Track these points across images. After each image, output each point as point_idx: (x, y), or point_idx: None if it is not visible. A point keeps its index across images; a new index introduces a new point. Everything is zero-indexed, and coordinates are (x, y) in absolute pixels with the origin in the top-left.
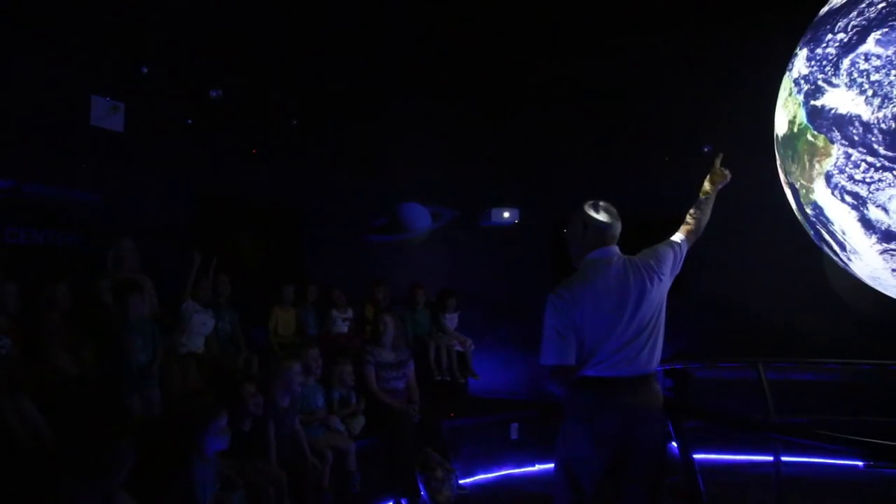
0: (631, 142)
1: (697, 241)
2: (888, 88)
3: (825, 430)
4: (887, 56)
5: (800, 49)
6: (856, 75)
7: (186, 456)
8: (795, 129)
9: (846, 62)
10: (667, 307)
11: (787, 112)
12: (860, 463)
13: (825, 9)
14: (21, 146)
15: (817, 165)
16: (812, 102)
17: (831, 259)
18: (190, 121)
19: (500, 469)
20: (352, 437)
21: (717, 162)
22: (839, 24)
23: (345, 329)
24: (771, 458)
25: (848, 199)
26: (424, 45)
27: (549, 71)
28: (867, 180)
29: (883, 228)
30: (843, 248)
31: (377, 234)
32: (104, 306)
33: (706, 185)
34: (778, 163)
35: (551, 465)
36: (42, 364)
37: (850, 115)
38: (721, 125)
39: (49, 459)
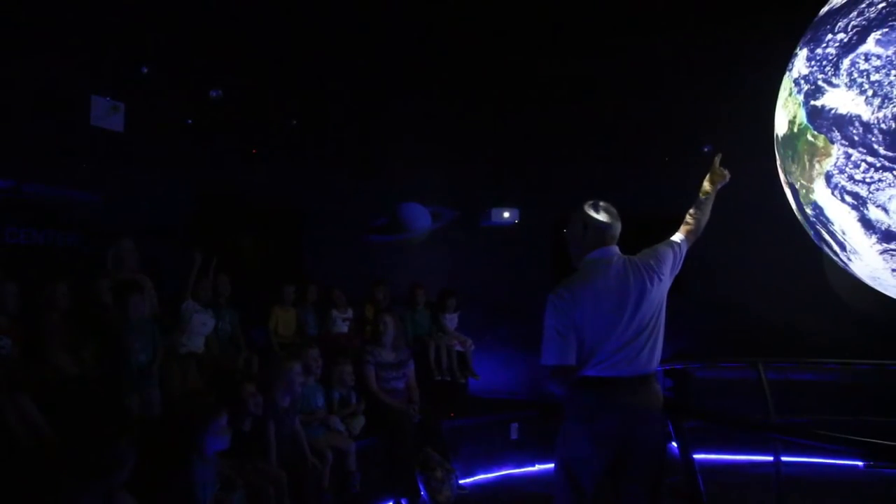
0: (631, 142)
1: (697, 241)
2: (888, 88)
3: (825, 430)
4: (887, 56)
5: (800, 49)
6: (856, 75)
7: (186, 456)
8: (795, 129)
9: (846, 62)
10: (667, 307)
11: (787, 112)
12: (860, 463)
13: (825, 9)
14: (21, 146)
15: (817, 165)
16: (812, 102)
17: (831, 259)
18: (190, 121)
19: (500, 469)
20: (352, 437)
21: (717, 161)
22: (839, 24)
23: (345, 329)
24: (771, 458)
25: (848, 199)
26: (424, 45)
27: (549, 71)
28: (867, 180)
29: (883, 228)
30: (843, 248)
31: (377, 234)
32: (104, 306)
33: (706, 185)
34: (778, 163)
35: (551, 465)
36: (42, 364)
37: (850, 115)
38: (721, 125)
39: (49, 459)
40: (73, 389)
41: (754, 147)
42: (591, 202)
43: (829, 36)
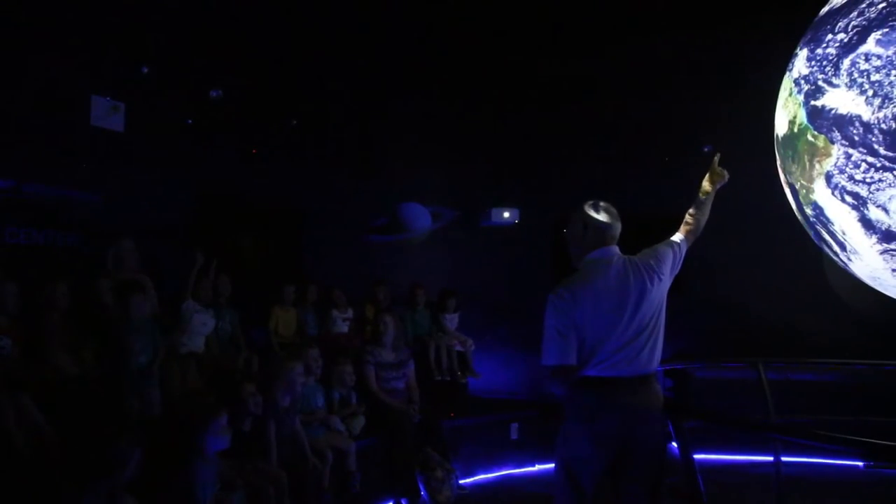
0: (631, 142)
1: (697, 241)
2: (888, 89)
3: (825, 430)
4: (888, 56)
5: (800, 49)
6: (856, 75)
7: (187, 456)
8: (796, 130)
9: (846, 62)
10: (667, 307)
11: (787, 112)
12: (860, 463)
13: (825, 9)
14: (21, 146)
15: (817, 165)
16: (812, 102)
17: (831, 259)
18: (190, 121)
19: (500, 469)
20: (352, 437)
21: (716, 161)
22: (839, 24)
23: (345, 329)
24: (771, 458)
25: (848, 199)
26: (424, 45)
27: (549, 71)
28: (867, 180)
29: (883, 229)
30: (843, 248)
31: (377, 234)
32: (104, 306)
33: (705, 185)
34: (778, 163)
35: (551, 465)
36: (42, 364)
37: (851, 116)
38: (721, 125)
39: (50, 460)
40: (73, 389)
41: (754, 147)
42: (591, 202)
43: (830, 36)
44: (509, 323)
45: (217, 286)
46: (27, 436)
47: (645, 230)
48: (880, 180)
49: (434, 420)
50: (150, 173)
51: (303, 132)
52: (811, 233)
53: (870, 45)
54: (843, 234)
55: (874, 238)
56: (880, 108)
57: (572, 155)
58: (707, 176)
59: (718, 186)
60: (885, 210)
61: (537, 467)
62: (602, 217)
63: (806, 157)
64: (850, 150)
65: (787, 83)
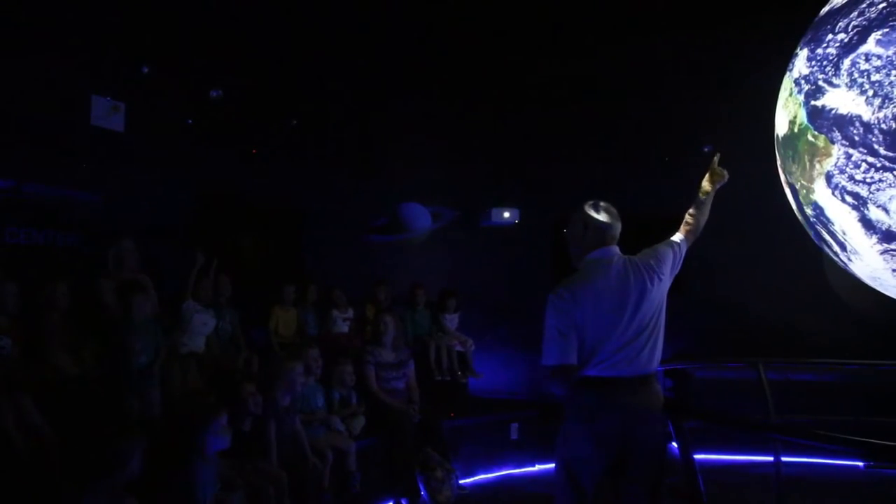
0: (631, 142)
1: (697, 241)
2: (889, 89)
3: (825, 430)
4: (888, 56)
5: (800, 49)
6: (856, 75)
7: (187, 456)
8: (796, 130)
9: (847, 62)
10: (667, 307)
11: (787, 112)
12: (860, 463)
13: (826, 9)
14: (21, 146)
15: (818, 166)
16: (812, 102)
17: (832, 259)
18: (190, 121)
19: (500, 469)
20: (352, 437)
21: (715, 161)
22: (840, 24)
23: (345, 329)
24: (771, 458)
25: (848, 199)
26: (424, 45)
27: (549, 71)
28: (868, 180)
29: (883, 229)
30: (843, 248)
31: (377, 234)
32: (104, 306)
33: (705, 185)
34: (778, 163)
35: (551, 465)
36: (42, 364)
37: (851, 116)
38: (721, 125)
39: (50, 460)
40: (73, 389)
41: (754, 147)
42: (591, 202)
43: (830, 36)
44: (509, 323)
45: (217, 286)
46: (27, 436)
47: (645, 230)
48: (880, 180)
49: (434, 420)
50: (150, 173)
51: (303, 132)
52: (811, 233)
53: (870, 45)
54: (844, 234)
55: (874, 238)
56: (880, 108)
57: (572, 155)
58: (707, 176)
59: (718, 186)
60: (886, 210)
61: (537, 467)
62: (602, 217)
63: (806, 157)
64: (851, 150)
65: (787, 83)
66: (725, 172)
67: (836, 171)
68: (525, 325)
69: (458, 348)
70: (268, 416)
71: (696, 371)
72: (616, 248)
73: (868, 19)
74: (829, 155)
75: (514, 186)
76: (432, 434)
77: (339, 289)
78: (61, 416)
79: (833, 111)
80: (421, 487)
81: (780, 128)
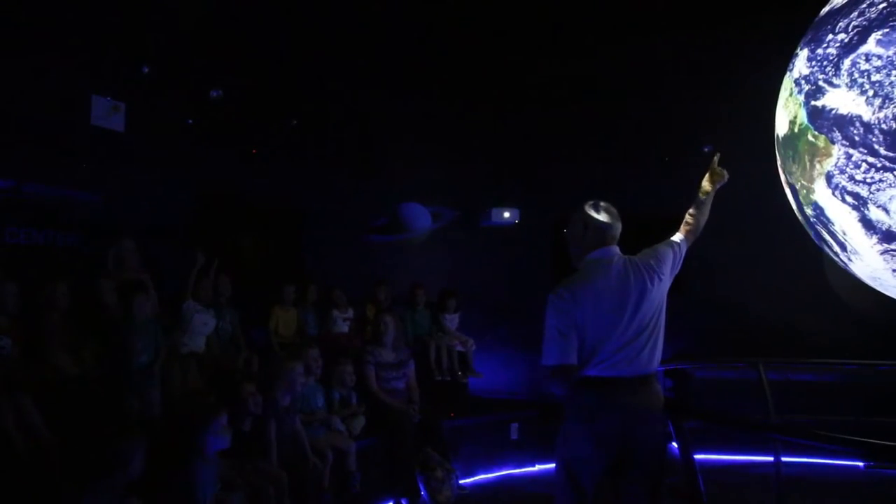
0: (631, 142)
1: (697, 241)
2: (889, 89)
3: (825, 430)
4: (888, 56)
5: (801, 49)
6: (857, 76)
7: (187, 456)
8: (796, 130)
9: (847, 62)
10: (667, 307)
11: (787, 112)
12: (860, 463)
13: (826, 9)
14: (21, 146)
15: (818, 166)
16: (813, 103)
17: (832, 259)
18: (190, 121)
19: (500, 469)
20: (352, 437)
21: (715, 161)
22: (840, 24)
23: (345, 329)
24: (771, 459)
25: (849, 199)
26: (424, 45)
27: (549, 71)
28: (868, 181)
29: (884, 229)
30: (843, 248)
31: (377, 234)
32: (104, 306)
33: (705, 185)
34: (779, 163)
35: (551, 466)
36: (42, 364)
37: (851, 116)
38: (721, 125)
39: (50, 460)
40: (73, 389)
41: (754, 147)
42: (591, 202)
43: (830, 36)
44: (509, 323)
45: (217, 286)
46: (27, 436)
47: (645, 230)
48: (881, 180)
49: (434, 420)
50: (151, 173)
51: (303, 132)
52: (811, 233)
53: (870, 46)
54: (844, 234)
55: (874, 238)
56: (881, 108)
57: (572, 155)
58: (707, 176)
59: (718, 186)
60: (886, 210)
61: (537, 467)
62: (602, 217)
63: (806, 157)
64: (851, 151)
65: (787, 83)
66: (725, 172)
67: (836, 172)
68: (525, 325)
69: (459, 348)
70: (268, 416)
71: (696, 371)
72: (616, 248)
73: (868, 19)
74: (829, 155)
75: (514, 186)
76: (432, 434)
77: (339, 289)
78: (61, 416)
79: (833, 111)
80: (421, 487)
81: (781, 128)
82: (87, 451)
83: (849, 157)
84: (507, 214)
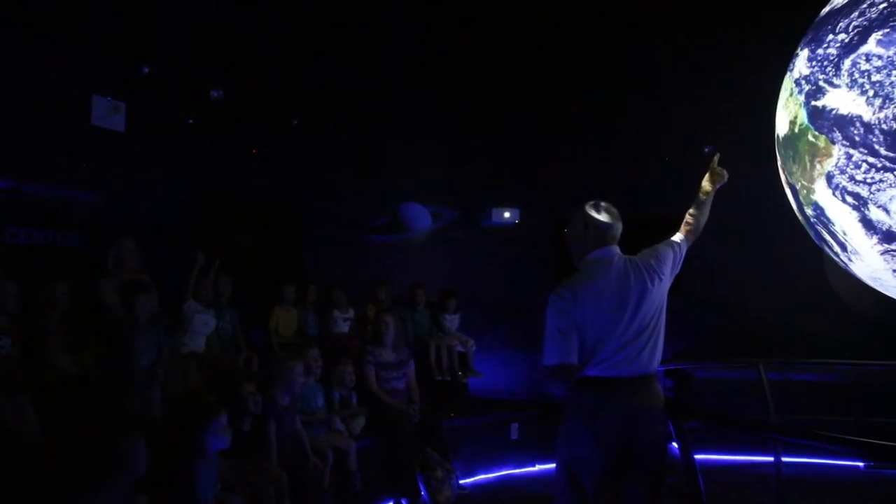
0: (631, 142)
1: (697, 241)
2: (889, 89)
3: (825, 430)
4: (888, 56)
5: (801, 49)
6: (857, 76)
7: (188, 456)
8: (796, 130)
9: (847, 63)
10: (667, 307)
11: (788, 112)
12: (860, 463)
13: (826, 9)
14: (21, 146)
15: (818, 166)
16: (813, 103)
17: (832, 259)
18: (190, 121)
19: (500, 469)
20: (352, 437)
21: (715, 161)
22: (840, 24)
23: (346, 329)
24: (771, 459)
25: (849, 199)
26: (424, 45)
27: (549, 71)
28: (868, 181)
29: (884, 229)
30: (843, 248)
31: (377, 234)
32: (105, 306)
33: (705, 185)
34: (779, 163)
35: (551, 466)
36: (42, 364)
37: (852, 116)
38: (721, 125)
39: (50, 460)
40: (73, 389)
41: (754, 147)
42: (592, 202)
43: (831, 36)
44: (509, 323)
45: (218, 286)
46: (27, 436)
47: (645, 230)
48: (881, 181)
49: (434, 420)
50: (151, 173)
51: (303, 132)
52: (812, 233)
53: (871, 46)
54: (844, 234)
55: (875, 238)
56: (881, 108)
57: (572, 155)
58: (707, 176)
59: (718, 186)
60: (886, 210)
61: (537, 467)
62: (603, 217)
63: (807, 157)
64: (851, 151)
65: (787, 83)
66: (725, 172)
67: (836, 172)
68: (525, 325)
69: (459, 348)
70: (268, 416)
71: (696, 371)
72: (617, 248)
73: (869, 19)
74: (829, 155)
75: (514, 186)
76: (432, 434)
77: (339, 289)
78: (61, 416)
79: (834, 111)
80: (421, 487)
81: (781, 128)
82: (87, 451)
83: (849, 157)
84: (507, 214)
